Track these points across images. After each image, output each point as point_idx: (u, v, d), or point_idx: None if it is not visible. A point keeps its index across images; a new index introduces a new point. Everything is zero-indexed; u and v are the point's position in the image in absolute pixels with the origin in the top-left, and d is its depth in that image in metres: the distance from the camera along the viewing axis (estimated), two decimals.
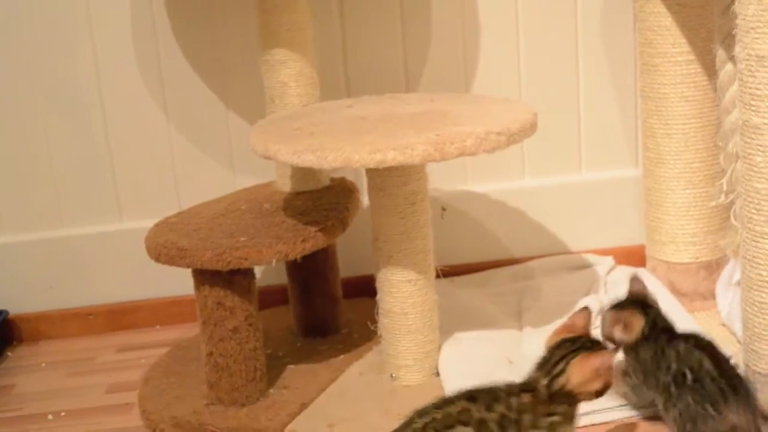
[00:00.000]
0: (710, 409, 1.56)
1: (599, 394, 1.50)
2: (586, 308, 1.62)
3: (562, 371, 1.49)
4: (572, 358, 1.49)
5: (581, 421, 1.70)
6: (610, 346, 1.71)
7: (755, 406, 1.60)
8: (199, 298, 1.93)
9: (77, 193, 2.43)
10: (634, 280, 1.82)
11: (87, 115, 2.39)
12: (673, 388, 1.62)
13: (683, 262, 2.21)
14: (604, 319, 1.79)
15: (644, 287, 1.80)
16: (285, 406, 1.94)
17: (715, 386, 1.58)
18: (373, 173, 1.94)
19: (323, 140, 1.80)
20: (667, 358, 1.65)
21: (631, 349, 1.75)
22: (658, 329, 1.73)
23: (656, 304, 1.79)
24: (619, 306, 1.79)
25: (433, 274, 2.01)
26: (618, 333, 1.76)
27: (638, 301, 1.78)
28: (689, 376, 1.61)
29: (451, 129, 1.78)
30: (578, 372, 1.48)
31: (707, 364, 1.62)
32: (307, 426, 1.88)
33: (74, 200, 2.43)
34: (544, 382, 1.50)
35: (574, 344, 1.52)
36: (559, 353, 1.52)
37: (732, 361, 1.66)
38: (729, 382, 1.59)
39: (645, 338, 1.73)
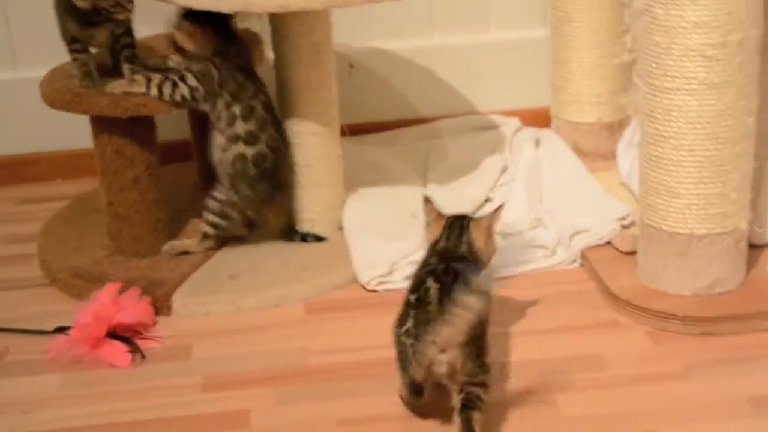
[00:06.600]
0: None
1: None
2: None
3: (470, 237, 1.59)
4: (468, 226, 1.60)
5: None
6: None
7: None
8: (97, 146, 1.90)
9: None
10: None
11: None
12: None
13: (587, 122, 2.23)
14: (176, 28, 1.87)
15: None
16: (187, 257, 1.94)
17: None
18: (277, 21, 1.90)
19: None
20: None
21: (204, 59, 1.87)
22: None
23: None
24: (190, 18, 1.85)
25: (338, 127, 2.01)
26: (191, 47, 1.86)
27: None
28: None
29: None
30: (478, 233, 1.60)
31: None
32: (209, 277, 1.89)
33: None
34: (464, 249, 1.57)
35: (460, 219, 1.62)
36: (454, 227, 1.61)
37: None
38: None
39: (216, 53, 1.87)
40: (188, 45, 1.87)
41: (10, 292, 1.93)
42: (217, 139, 1.90)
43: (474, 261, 1.57)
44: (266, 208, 1.94)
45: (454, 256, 1.56)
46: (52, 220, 2.14)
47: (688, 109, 1.62)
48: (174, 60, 1.89)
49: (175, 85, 1.84)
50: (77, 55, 1.90)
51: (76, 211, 2.17)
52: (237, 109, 1.87)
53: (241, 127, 1.87)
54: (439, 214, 1.63)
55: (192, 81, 1.85)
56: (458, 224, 1.60)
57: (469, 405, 1.42)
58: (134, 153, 1.88)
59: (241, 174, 1.89)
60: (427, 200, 1.65)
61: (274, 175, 1.91)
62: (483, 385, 1.44)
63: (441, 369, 1.42)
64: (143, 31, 2.04)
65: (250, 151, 1.88)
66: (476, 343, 1.43)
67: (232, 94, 1.87)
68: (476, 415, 1.42)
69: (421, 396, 1.49)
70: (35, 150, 2.42)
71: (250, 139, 1.88)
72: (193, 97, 1.86)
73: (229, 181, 1.90)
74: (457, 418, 1.43)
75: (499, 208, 1.63)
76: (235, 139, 1.88)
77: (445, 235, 1.60)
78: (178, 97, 1.85)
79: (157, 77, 1.84)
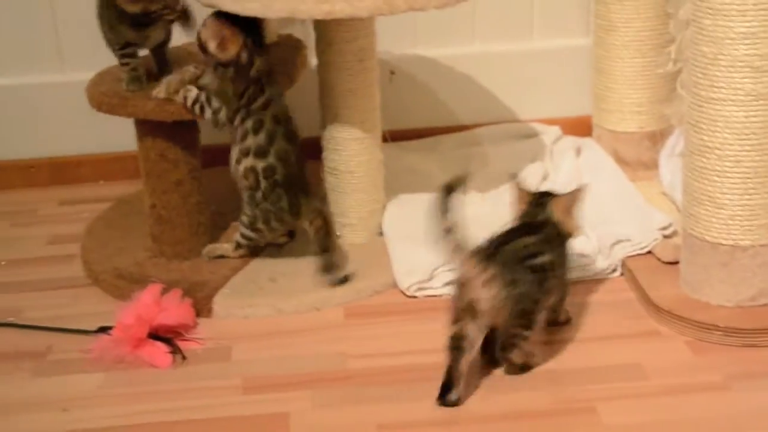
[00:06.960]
0: None
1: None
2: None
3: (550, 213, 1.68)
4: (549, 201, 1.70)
5: None
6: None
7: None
8: (141, 149, 1.92)
9: (17, 42, 2.37)
10: None
11: None
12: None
13: (628, 131, 2.22)
14: (204, 25, 1.83)
15: None
16: (228, 260, 1.95)
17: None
18: (322, 27, 1.91)
19: None
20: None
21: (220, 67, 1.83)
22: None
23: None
24: (222, 19, 1.81)
25: (380, 133, 2.01)
26: (213, 47, 1.81)
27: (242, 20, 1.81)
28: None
29: None
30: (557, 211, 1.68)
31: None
32: (249, 279, 1.90)
33: (14, 49, 2.37)
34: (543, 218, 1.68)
35: (543, 196, 1.71)
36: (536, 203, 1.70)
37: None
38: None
39: (237, 62, 1.82)
40: (212, 45, 1.82)
41: (53, 292, 1.96)
42: (233, 152, 1.89)
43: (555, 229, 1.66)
44: (294, 217, 1.91)
45: (533, 222, 1.66)
46: (96, 221, 2.16)
47: (735, 120, 1.62)
48: (206, 78, 1.87)
49: (202, 109, 1.84)
50: (128, 59, 1.92)
51: (119, 213, 2.19)
52: (249, 123, 1.85)
53: (251, 141, 1.85)
54: (525, 192, 1.70)
55: (215, 103, 1.84)
56: (540, 201, 1.69)
57: (506, 347, 1.58)
58: (178, 156, 1.90)
59: (254, 187, 1.88)
60: (514, 176, 1.72)
61: (289, 185, 1.88)
62: (525, 328, 1.57)
63: (485, 305, 1.52)
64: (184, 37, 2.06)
65: (260, 165, 1.86)
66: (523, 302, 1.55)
67: (245, 107, 1.84)
68: (515, 353, 1.59)
69: (461, 351, 1.53)
70: (79, 152, 2.44)
71: (260, 153, 1.85)
72: (216, 121, 1.85)
73: (247, 195, 1.90)
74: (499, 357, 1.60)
75: (579, 189, 1.69)
76: (245, 152, 1.86)
77: (527, 210, 1.68)
78: (205, 119, 1.85)
79: (192, 93, 1.84)
